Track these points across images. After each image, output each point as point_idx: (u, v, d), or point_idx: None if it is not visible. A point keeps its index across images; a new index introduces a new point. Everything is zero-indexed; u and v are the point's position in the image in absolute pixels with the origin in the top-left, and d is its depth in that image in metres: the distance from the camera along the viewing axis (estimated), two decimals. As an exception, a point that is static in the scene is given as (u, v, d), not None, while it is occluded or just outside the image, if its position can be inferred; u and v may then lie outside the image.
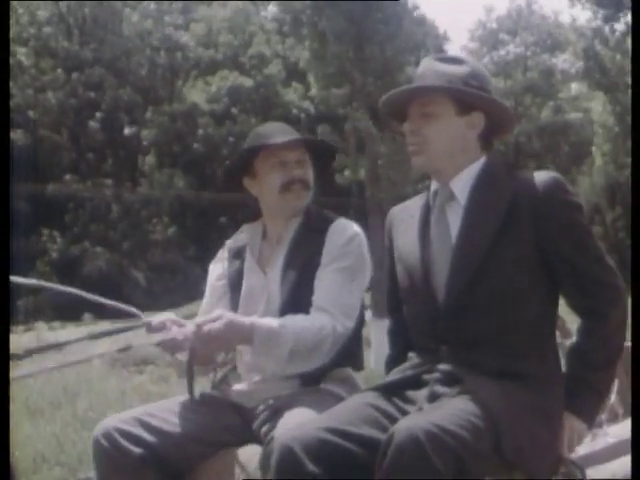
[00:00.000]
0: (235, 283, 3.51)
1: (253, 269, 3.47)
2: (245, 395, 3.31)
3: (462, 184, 2.99)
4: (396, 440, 2.46)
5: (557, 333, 3.53)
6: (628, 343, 5.35)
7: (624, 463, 3.06)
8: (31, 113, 37.60)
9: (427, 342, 2.95)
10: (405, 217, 3.15)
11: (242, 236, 3.62)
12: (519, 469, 2.71)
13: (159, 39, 40.74)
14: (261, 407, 3.21)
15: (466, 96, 2.97)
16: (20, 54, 38.33)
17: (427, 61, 3.08)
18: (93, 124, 39.01)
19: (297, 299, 3.29)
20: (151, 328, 3.11)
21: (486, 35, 47.54)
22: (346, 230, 3.38)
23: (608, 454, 3.21)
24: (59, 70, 39.02)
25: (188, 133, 37.95)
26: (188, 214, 37.18)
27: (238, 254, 3.57)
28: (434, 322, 2.91)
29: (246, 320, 3.08)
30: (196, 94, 39.53)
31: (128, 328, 3.19)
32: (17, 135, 35.80)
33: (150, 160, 39.06)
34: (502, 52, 46.97)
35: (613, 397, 4.30)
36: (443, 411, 2.61)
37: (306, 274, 3.32)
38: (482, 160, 3.04)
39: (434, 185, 3.08)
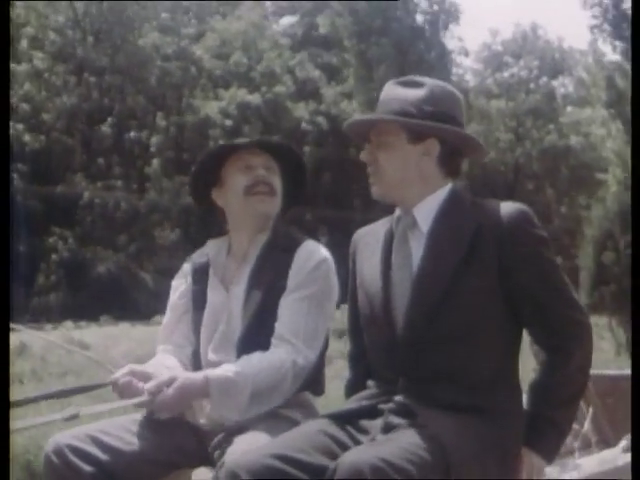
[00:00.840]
0: (198, 301, 3.35)
1: (216, 287, 3.33)
2: (202, 417, 3.18)
3: (425, 211, 2.88)
4: (340, 472, 2.39)
5: None
6: (608, 371, 5.19)
7: None
8: (45, 116, 37.75)
9: (385, 372, 2.85)
10: (370, 241, 3.03)
11: (206, 250, 3.48)
12: None
13: (173, 50, 40.84)
14: (216, 430, 3.08)
15: (414, 126, 2.86)
16: (37, 58, 38.51)
17: (389, 85, 2.98)
18: (104, 129, 39.12)
19: (261, 320, 3.16)
20: (116, 387, 2.99)
21: (490, 57, 47.67)
22: (314, 255, 3.24)
23: None
24: (73, 75, 39.24)
25: (199, 144, 37.96)
26: (192, 221, 37.25)
27: (201, 270, 3.40)
28: (392, 353, 2.81)
29: (199, 376, 2.97)
30: (208, 106, 39.60)
31: (94, 387, 3.06)
32: (32, 137, 36.03)
33: (155, 166, 39.13)
34: (506, 74, 47.08)
35: (587, 425, 4.25)
36: (392, 444, 2.51)
37: (271, 295, 3.18)
38: (447, 188, 2.92)
39: (398, 211, 2.97)
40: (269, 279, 3.21)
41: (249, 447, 2.74)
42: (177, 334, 3.37)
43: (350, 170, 34.91)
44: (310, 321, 3.13)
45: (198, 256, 3.47)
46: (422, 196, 2.89)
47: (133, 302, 31.09)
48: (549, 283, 2.81)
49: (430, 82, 2.94)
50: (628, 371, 4.80)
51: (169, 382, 2.87)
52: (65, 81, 39.22)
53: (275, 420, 3.03)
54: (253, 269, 3.27)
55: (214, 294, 3.32)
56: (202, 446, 3.11)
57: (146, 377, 2.96)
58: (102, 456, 2.95)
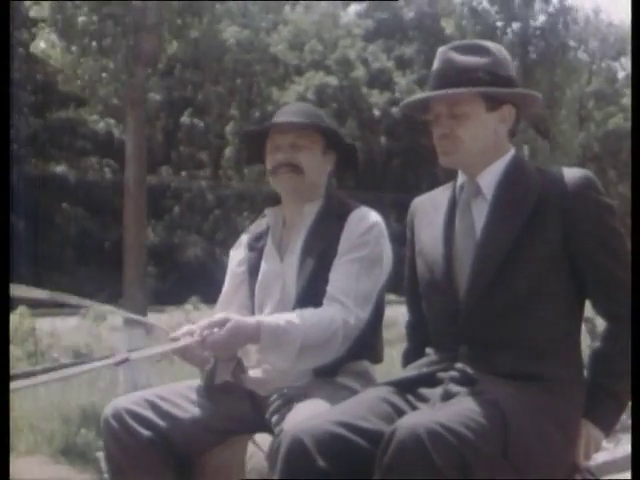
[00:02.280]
0: (253, 268, 3.28)
1: (271, 254, 3.25)
2: (258, 383, 3.10)
3: (489, 179, 2.75)
4: (397, 437, 2.28)
5: None
6: None
7: None
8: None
9: (445, 340, 2.74)
10: (429, 210, 2.91)
11: (264, 220, 3.38)
12: (529, 473, 2.47)
13: (250, 42, 41.10)
14: (274, 396, 2.96)
15: (493, 94, 2.73)
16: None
17: (445, 53, 2.79)
18: (185, 119, 39.67)
19: (314, 288, 3.06)
20: (177, 350, 2.91)
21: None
22: (365, 219, 3.13)
23: (627, 462, 2.90)
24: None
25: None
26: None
27: (259, 239, 3.33)
28: (454, 320, 2.70)
29: (251, 320, 2.89)
30: (287, 94, 39.81)
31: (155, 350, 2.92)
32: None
33: (228, 155, 39.52)
34: (569, 57, 46.74)
35: None
36: (450, 410, 2.41)
37: (324, 262, 3.09)
38: (510, 154, 2.80)
39: (460, 179, 2.84)
40: (322, 246, 3.13)
41: (309, 414, 2.67)
42: (235, 303, 3.29)
43: (419, 157, 35.14)
44: (361, 282, 3.04)
45: (256, 226, 3.39)
46: (490, 162, 2.77)
47: (218, 284, 31.44)
48: (613, 251, 2.68)
49: (492, 46, 2.81)
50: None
51: (222, 322, 2.80)
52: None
53: (334, 388, 2.95)
54: (306, 238, 3.18)
55: (269, 262, 3.24)
56: (259, 413, 3.02)
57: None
58: (160, 422, 2.91)
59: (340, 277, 3.04)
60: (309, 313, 2.95)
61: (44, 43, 16.55)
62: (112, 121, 37.27)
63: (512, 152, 2.80)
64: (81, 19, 15.59)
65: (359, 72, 41.61)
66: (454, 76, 2.72)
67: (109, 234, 34.87)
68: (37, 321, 13.43)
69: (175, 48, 17.87)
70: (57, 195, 35.11)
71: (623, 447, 3.31)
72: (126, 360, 2.58)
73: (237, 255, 3.39)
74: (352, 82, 41.12)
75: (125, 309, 21.60)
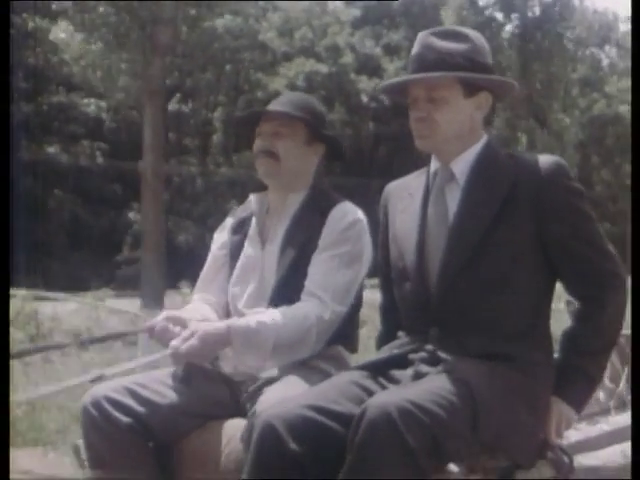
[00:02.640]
0: (235, 252, 3.29)
1: (253, 240, 3.25)
2: (234, 369, 3.09)
3: (462, 165, 2.76)
4: (368, 415, 2.28)
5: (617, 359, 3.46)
6: None
7: (616, 451, 2.92)
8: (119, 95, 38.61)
9: (417, 323, 2.75)
10: (403, 195, 2.92)
11: (249, 205, 3.38)
12: (500, 452, 2.53)
13: (240, 29, 41.00)
14: (249, 381, 3.01)
15: (472, 80, 2.73)
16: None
17: (425, 38, 2.79)
18: (173, 105, 39.66)
19: (292, 279, 3.07)
20: (153, 332, 2.96)
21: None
22: (347, 215, 3.13)
23: (601, 442, 3.00)
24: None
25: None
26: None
27: (243, 223, 3.33)
28: (425, 304, 2.71)
29: (221, 325, 2.89)
30: (277, 81, 39.76)
31: (131, 333, 3.00)
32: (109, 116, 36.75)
33: (217, 141, 39.49)
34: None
35: (622, 384, 4.03)
36: (420, 388, 2.41)
37: (304, 255, 3.09)
38: (483, 140, 2.81)
39: (434, 165, 2.84)
40: (303, 238, 3.13)
41: (280, 396, 2.69)
42: (215, 284, 3.31)
43: (406, 142, 35.08)
44: (340, 278, 3.04)
45: (241, 211, 3.40)
46: (464, 148, 2.78)
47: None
48: (584, 234, 2.71)
49: (471, 33, 2.82)
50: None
51: (190, 335, 2.81)
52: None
53: (306, 371, 2.96)
54: (288, 228, 3.19)
55: (250, 247, 3.25)
56: (235, 397, 3.05)
57: (181, 322, 2.92)
58: (139, 408, 2.90)
59: (319, 272, 3.04)
60: (281, 312, 2.94)
61: (63, 33, 16.89)
62: (103, 104, 37.27)
63: (485, 139, 2.82)
64: (100, 10, 15.81)
65: (347, 59, 41.65)
66: (433, 60, 2.71)
67: (100, 220, 34.95)
68: (39, 305, 13.51)
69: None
70: (50, 181, 35.08)
71: (598, 426, 3.34)
72: (101, 377, 2.58)
73: (220, 238, 3.39)
74: (341, 68, 41.18)
75: (144, 292, 21.66)
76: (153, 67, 15.57)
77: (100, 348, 13.14)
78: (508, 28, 32.56)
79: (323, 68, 40.45)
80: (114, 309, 14.71)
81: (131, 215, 36.40)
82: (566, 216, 2.68)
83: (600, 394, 3.96)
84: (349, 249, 3.07)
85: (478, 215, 2.68)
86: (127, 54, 15.89)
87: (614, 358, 4.08)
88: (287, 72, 40.27)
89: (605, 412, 3.71)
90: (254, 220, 3.29)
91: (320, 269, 3.05)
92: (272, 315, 2.92)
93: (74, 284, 23.69)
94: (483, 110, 2.80)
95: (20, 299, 12.67)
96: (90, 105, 37.65)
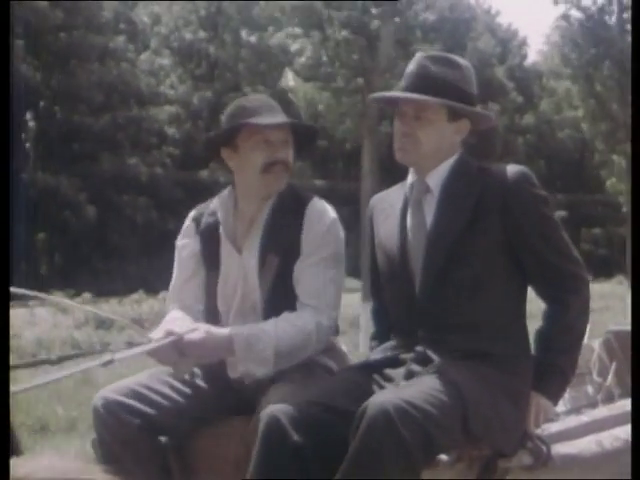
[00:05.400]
0: (212, 262, 3.10)
1: (228, 249, 3.08)
2: (236, 373, 2.98)
3: (437, 178, 2.83)
4: (368, 413, 2.37)
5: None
6: (628, 328, 4.49)
7: (592, 440, 2.93)
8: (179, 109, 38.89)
9: (405, 325, 2.82)
10: (385, 206, 2.97)
11: (211, 209, 3.16)
12: (486, 443, 2.60)
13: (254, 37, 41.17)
14: (252, 383, 2.92)
15: (457, 108, 2.80)
16: (164, 55, 39.99)
17: (421, 60, 2.85)
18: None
19: (280, 287, 2.98)
20: (154, 354, 2.78)
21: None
22: (324, 216, 3.03)
23: (579, 432, 3.01)
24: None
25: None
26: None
27: (211, 230, 3.12)
28: (411, 307, 2.78)
29: (224, 331, 2.84)
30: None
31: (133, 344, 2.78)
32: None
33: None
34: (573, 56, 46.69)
35: (610, 379, 4.03)
36: (413, 388, 2.50)
37: (287, 261, 2.98)
38: (456, 155, 2.87)
39: (411, 178, 2.90)
40: (283, 243, 3.01)
41: (286, 394, 2.67)
42: (187, 293, 3.14)
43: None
44: (329, 282, 2.98)
45: (202, 215, 3.19)
46: (437, 164, 2.84)
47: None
48: (549, 239, 2.77)
49: (463, 63, 2.88)
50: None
51: (195, 329, 2.77)
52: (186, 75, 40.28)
53: (309, 368, 2.93)
54: (264, 233, 3.03)
55: (228, 257, 3.08)
56: (239, 398, 2.97)
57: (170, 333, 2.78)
58: (147, 410, 2.86)
59: (308, 280, 2.97)
60: (282, 320, 2.89)
61: (292, 82, 18.78)
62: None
63: (458, 153, 2.89)
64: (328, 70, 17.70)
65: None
66: (426, 83, 2.79)
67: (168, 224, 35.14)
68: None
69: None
70: (125, 188, 35.41)
71: (577, 417, 3.32)
72: (111, 361, 2.53)
73: (187, 245, 3.18)
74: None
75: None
76: (370, 109, 17.00)
77: (115, 331, 13.28)
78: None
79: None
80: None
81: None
82: (531, 222, 2.75)
83: (588, 388, 4.00)
84: (333, 251, 3.01)
85: (452, 223, 2.76)
86: (350, 99, 17.33)
87: (602, 353, 4.16)
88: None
89: (593, 405, 3.72)
90: (222, 229, 3.11)
91: (309, 277, 2.97)
92: (273, 323, 2.88)
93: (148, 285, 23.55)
94: (462, 134, 2.88)
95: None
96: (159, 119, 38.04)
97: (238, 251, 3.07)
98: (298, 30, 18.81)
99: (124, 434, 2.83)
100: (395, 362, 2.78)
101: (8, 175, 2.36)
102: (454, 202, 2.79)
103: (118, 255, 33.47)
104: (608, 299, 19.88)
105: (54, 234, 32.65)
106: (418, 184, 2.87)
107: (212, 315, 3.09)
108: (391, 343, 2.88)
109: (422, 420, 2.38)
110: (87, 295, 21.69)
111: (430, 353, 2.70)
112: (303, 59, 18.72)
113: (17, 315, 13.76)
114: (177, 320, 2.93)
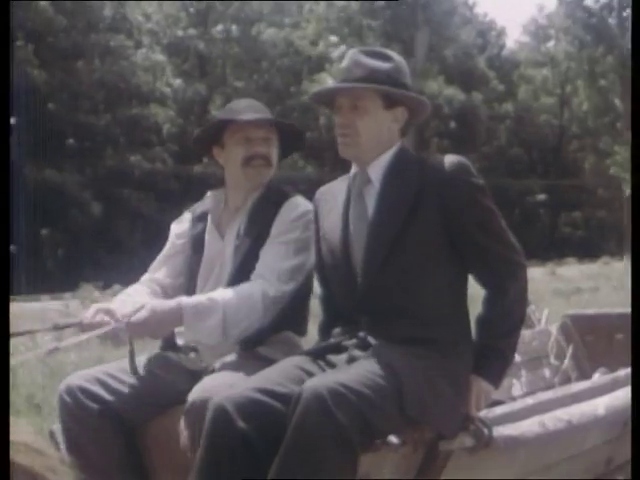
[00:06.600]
0: (197, 246, 3.29)
1: (212, 234, 3.27)
2: (193, 359, 3.15)
3: (378, 169, 2.83)
4: (303, 396, 2.37)
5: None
6: (587, 311, 4.82)
7: (534, 422, 2.91)
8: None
9: (348, 312, 2.83)
10: (329, 198, 2.99)
11: (207, 201, 3.39)
12: (425, 426, 2.58)
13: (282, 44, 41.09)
14: (207, 370, 3.02)
15: (392, 94, 2.81)
16: (155, 52, 40.00)
17: (354, 54, 2.88)
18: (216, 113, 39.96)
19: (247, 266, 3.10)
20: (83, 327, 2.92)
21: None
22: (298, 207, 3.16)
23: (522, 414, 3.00)
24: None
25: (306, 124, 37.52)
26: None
27: (201, 218, 3.33)
28: (353, 295, 2.79)
29: (172, 302, 2.93)
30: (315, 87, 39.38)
31: (65, 325, 2.96)
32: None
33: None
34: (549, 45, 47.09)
35: (567, 361, 4.07)
36: (350, 371, 2.52)
37: (258, 245, 3.12)
38: (396, 146, 2.87)
39: (353, 170, 2.91)
40: (258, 228, 3.16)
41: (213, 384, 2.77)
42: (169, 267, 3.34)
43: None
44: (286, 261, 3.07)
45: (198, 205, 3.41)
46: (379, 155, 2.85)
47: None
48: (486, 226, 2.78)
49: (396, 56, 2.90)
50: (606, 310, 4.74)
51: (140, 308, 2.85)
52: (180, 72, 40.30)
53: (254, 360, 2.97)
54: (245, 220, 3.20)
55: (211, 240, 3.27)
56: (193, 385, 3.00)
57: (110, 313, 2.91)
58: (107, 396, 2.96)
59: (268, 256, 3.08)
60: (230, 290, 2.99)
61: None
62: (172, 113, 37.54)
63: (398, 145, 2.88)
64: None
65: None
66: (359, 74, 2.80)
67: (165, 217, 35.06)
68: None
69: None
70: (127, 183, 35.44)
71: (522, 400, 3.32)
72: (56, 349, 2.59)
73: (178, 228, 3.40)
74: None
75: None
76: None
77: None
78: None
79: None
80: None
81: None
82: (469, 210, 2.75)
83: (545, 371, 4.01)
84: (297, 236, 3.11)
85: (392, 213, 2.77)
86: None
87: (559, 337, 4.19)
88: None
89: (550, 388, 3.70)
90: (210, 216, 3.31)
91: (269, 254, 3.09)
92: (220, 292, 2.98)
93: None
94: (399, 122, 2.87)
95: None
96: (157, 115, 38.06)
97: (221, 236, 3.25)
98: (334, 38, 18.77)
99: (85, 419, 2.92)
100: (338, 348, 2.79)
101: (8, 175, 2.34)
102: (394, 192, 2.80)
103: (122, 248, 33.47)
104: (597, 279, 19.97)
105: (57, 230, 32.71)
106: (360, 175, 2.88)
107: (191, 290, 3.22)
108: (336, 330, 2.88)
109: (357, 402, 2.38)
110: (117, 287, 21.71)
111: (371, 339, 2.72)
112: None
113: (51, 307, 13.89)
114: (128, 299, 3.09)
